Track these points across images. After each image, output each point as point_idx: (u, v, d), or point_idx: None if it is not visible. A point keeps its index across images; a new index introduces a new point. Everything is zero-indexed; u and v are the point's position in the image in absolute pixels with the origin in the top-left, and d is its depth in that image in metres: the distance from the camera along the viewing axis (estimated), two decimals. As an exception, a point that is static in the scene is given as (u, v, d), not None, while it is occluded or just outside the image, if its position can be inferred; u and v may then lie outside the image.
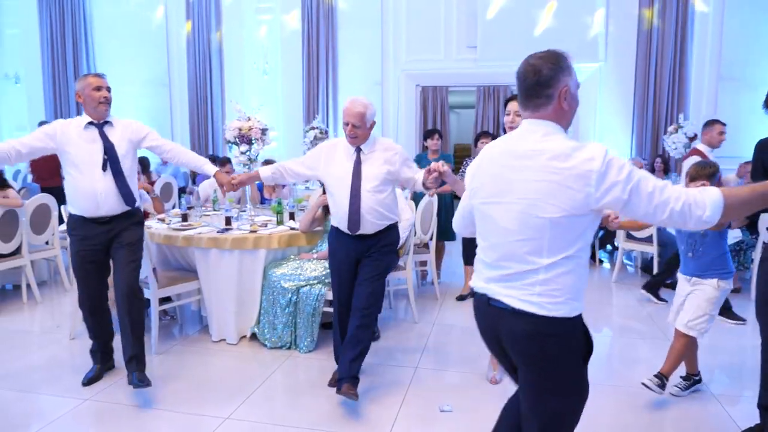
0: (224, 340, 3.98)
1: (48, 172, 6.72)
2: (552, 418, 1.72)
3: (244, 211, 4.73)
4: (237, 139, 4.36)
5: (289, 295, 3.77)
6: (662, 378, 3.04)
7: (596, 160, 1.51)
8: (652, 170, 7.44)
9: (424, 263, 5.28)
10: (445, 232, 5.37)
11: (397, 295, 5.07)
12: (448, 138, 8.84)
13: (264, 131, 4.48)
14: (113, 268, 3.26)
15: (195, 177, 8.61)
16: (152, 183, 6.92)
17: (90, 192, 3.10)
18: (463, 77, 8.60)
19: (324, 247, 3.99)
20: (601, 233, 6.44)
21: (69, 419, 2.94)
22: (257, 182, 5.55)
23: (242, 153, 4.42)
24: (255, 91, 9.33)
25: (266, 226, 4.20)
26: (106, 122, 3.20)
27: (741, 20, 7.65)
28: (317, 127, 8.33)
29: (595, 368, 3.60)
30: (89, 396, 3.17)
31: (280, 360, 3.69)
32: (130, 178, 3.23)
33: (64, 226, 4.16)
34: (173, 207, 6.79)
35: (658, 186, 1.52)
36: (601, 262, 6.62)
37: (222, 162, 5.65)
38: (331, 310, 3.80)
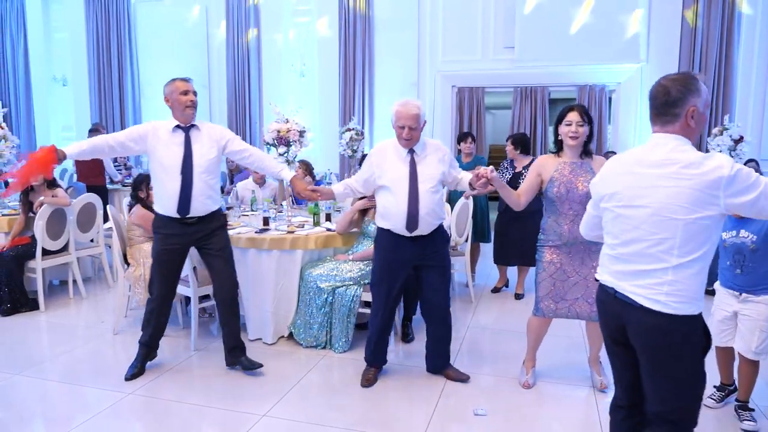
0: (261, 339, 4.04)
1: (92, 171, 6.94)
2: (676, 408, 1.87)
3: (282, 211, 4.80)
4: (275, 141, 4.42)
5: (325, 296, 3.81)
6: (744, 406, 2.96)
7: (725, 168, 1.70)
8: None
9: (454, 265, 5.27)
10: (480, 233, 5.34)
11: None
12: (483, 139, 8.77)
13: (302, 133, 4.54)
14: (212, 276, 3.46)
15: (233, 177, 8.78)
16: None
17: (173, 193, 3.20)
18: (500, 78, 8.52)
19: (360, 249, 4.02)
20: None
21: (112, 412, 3.04)
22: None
23: (280, 155, 4.48)
24: (292, 93, 9.45)
25: (303, 226, 4.25)
26: (193, 126, 3.28)
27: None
28: (353, 129, 8.38)
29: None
30: (131, 390, 3.27)
31: (315, 359, 3.73)
32: (212, 182, 3.30)
33: (109, 224, 4.32)
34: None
35: None
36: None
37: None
38: (366, 311, 3.83)
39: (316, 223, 4.33)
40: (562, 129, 3.01)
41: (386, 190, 3.15)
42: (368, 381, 3.33)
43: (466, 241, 5.01)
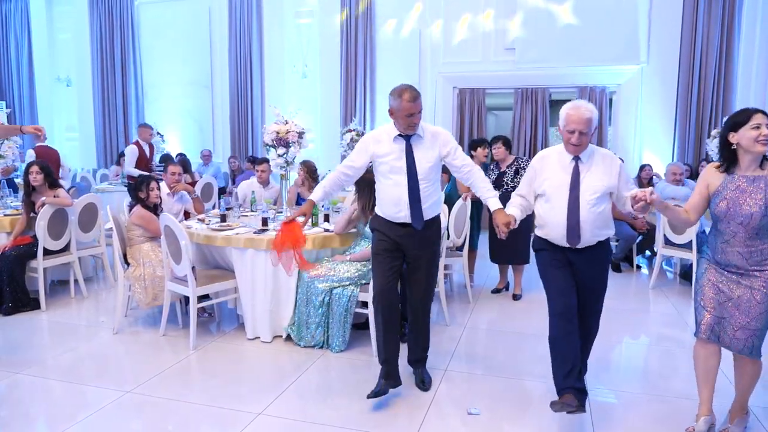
0: (259, 338, 4.09)
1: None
2: None
3: (281, 212, 4.83)
4: (274, 143, 4.46)
5: (323, 296, 3.84)
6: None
7: None
8: (695, 175, 7.24)
9: (451, 266, 5.31)
10: (473, 240, 5.35)
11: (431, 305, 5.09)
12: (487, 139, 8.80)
13: (301, 134, 4.57)
14: (409, 281, 3.34)
15: (234, 178, 8.83)
16: (193, 184, 7.13)
17: (393, 200, 3.15)
18: (501, 79, 8.56)
19: (358, 249, 4.05)
20: (639, 238, 6.32)
21: (112, 410, 3.08)
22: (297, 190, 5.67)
23: (279, 156, 4.52)
24: (294, 94, 9.51)
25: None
26: (414, 134, 3.15)
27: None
28: (354, 129, 8.42)
29: (631, 378, 3.57)
30: (131, 388, 3.31)
31: (312, 359, 3.76)
32: (431, 189, 3.19)
33: (110, 224, 4.36)
34: (213, 207, 6.98)
35: None
36: (639, 267, 6.49)
37: (260, 162, 5.77)
38: (363, 311, 3.87)
39: (315, 224, 4.37)
40: (751, 134, 2.50)
41: (545, 197, 2.95)
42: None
43: (464, 243, 5.03)
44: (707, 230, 2.90)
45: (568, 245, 2.87)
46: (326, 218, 4.50)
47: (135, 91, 10.57)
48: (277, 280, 4.00)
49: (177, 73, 10.30)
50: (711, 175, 2.67)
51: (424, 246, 3.22)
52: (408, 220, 3.15)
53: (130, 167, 7.18)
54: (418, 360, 3.42)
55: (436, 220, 3.30)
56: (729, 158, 2.60)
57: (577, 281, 2.92)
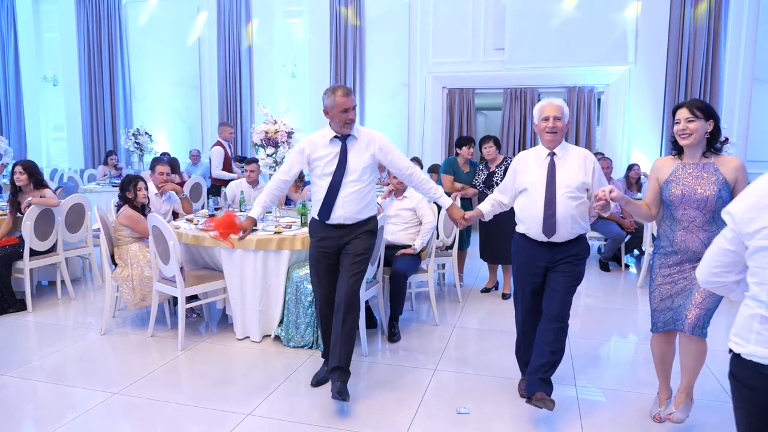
0: (248, 338, 4.07)
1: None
2: None
3: (270, 212, 4.82)
4: (263, 142, 4.45)
5: (312, 297, 3.83)
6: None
7: None
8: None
9: (444, 265, 5.32)
10: (462, 240, 5.37)
11: (419, 297, 5.11)
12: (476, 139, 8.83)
13: (290, 134, 4.56)
14: (339, 275, 3.26)
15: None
16: (182, 184, 7.09)
17: (327, 200, 3.18)
18: (490, 80, 8.58)
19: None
20: (628, 237, 6.37)
21: (99, 411, 3.06)
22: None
23: (268, 156, 4.51)
24: (283, 93, 9.49)
25: (291, 227, 4.28)
26: (350, 135, 3.20)
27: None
28: (343, 129, 8.40)
29: (619, 375, 3.59)
30: (118, 390, 3.29)
31: (302, 359, 3.76)
32: (364, 190, 3.21)
33: (97, 225, 4.33)
34: (202, 207, 6.95)
35: None
36: (627, 266, 6.54)
37: (249, 162, 5.75)
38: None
39: (304, 224, 4.35)
40: (675, 128, 2.74)
41: (522, 194, 3.05)
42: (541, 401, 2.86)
43: (453, 243, 5.05)
44: None
45: (545, 239, 2.95)
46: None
47: (123, 91, 10.50)
48: (267, 280, 3.99)
49: (165, 73, 10.24)
50: (659, 167, 2.84)
51: (358, 244, 3.23)
52: (339, 221, 3.19)
53: (217, 170, 7.08)
54: (334, 369, 3.07)
55: (371, 220, 3.32)
56: (677, 148, 2.78)
57: (551, 277, 3.02)
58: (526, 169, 3.02)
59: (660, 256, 2.83)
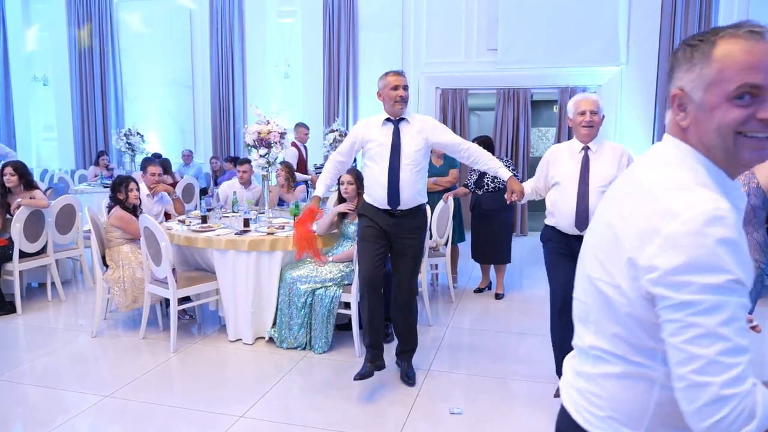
0: (240, 339, 4.05)
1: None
2: None
3: (263, 213, 4.80)
4: (256, 143, 4.43)
5: (305, 297, 3.82)
6: None
7: (676, 220, 0.90)
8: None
9: (437, 266, 5.33)
10: (455, 234, 5.37)
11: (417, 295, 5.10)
12: (468, 140, 8.84)
13: (283, 135, 4.54)
14: (394, 270, 3.37)
15: (216, 179, 8.75)
16: (174, 184, 7.06)
17: (380, 185, 3.22)
18: (483, 80, 8.59)
19: (340, 250, 4.03)
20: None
21: (91, 414, 3.04)
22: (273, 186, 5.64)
23: (261, 156, 4.48)
24: (276, 94, 9.45)
25: (283, 228, 4.27)
26: (402, 119, 3.25)
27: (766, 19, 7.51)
28: (337, 130, 8.39)
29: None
30: (110, 392, 3.26)
31: (295, 360, 3.74)
32: (417, 175, 3.24)
33: (88, 226, 4.30)
34: (194, 208, 6.91)
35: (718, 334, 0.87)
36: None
37: (241, 162, 5.73)
38: (346, 312, 3.86)
39: (297, 225, 4.34)
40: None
41: (556, 187, 3.11)
42: None
43: (446, 243, 5.05)
44: None
45: (577, 233, 2.97)
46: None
47: (114, 91, 10.43)
48: (259, 282, 3.98)
49: (157, 73, 10.18)
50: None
51: (409, 234, 3.29)
52: (395, 207, 3.22)
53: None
54: (405, 351, 3.44)
55: (422, 208, 3.36)
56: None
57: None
58: (559, 163, 3.06)
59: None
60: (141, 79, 10.36)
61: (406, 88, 3.19)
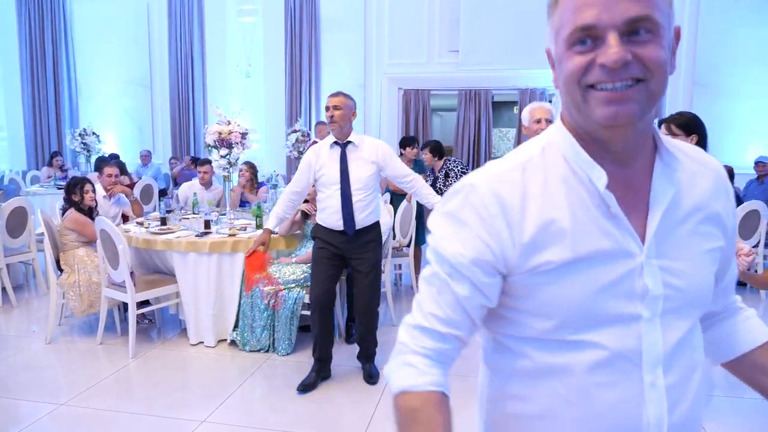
0: (202, 342, 3.99)
1: None
2: None
3: (224, 214, 4.74)
4: (217, 143, 4.36)
5: (268, 299, 3.79)
6: None
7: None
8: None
9: (401, 266, 5.36)
10: (418, 236, 5.42)
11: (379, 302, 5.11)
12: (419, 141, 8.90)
13: (244, 135, 4.49)
14: (356, 284, 3.44)
15: (176, 179, 8.59)
16: (132, 185, 6.89)
17: (332, 209, 3.26)
18: (445, 81, 8.67)
19: (303, 251, 4.01)
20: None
21: (46, 423, 2.94)
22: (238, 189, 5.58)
23: (222, 157, 4.42)
24: (237, 93, 9.33)
25: (245, 229, 4.22)
26: (349, 142, 3.27)
27: (714, 27, 7.82)
28: (300, 130, 8.33)
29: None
30: (66, 401, 3.17)
31: (258, 362, 3.70)
32: (368, 198, 3.30)
33: (41, 229, 4.16)
34: (153, 210, 6.77)
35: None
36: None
37: (202, 163, 5.63)
38: (309, 313, 3.84)
39: (259, 226, 4.30)
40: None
41: None
42: None
43: (410, 243, 5.08)
44: None
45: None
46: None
47: (68, 89, 10.11)
48: (221, 284, 3.92)
49: (114, 71, 9.91)
50: None
51: (364, 251, 3.35)
52: (351, 231, 3.29)
53: None
54: (368, 357, 3.52)
55: (375, 226, 3.42)
56: None
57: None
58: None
59: None
60: (97, 78, 10.06)
61: (337, 107, 3.23)
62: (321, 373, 3.39)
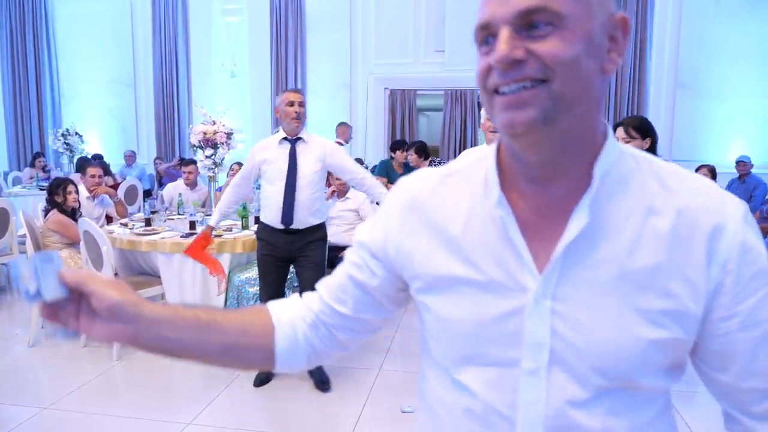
0: (188, 345, 3.96)
1: None
2: None
3: (209, 215, 4.71)
4: (201, 143, 4.34)
5: (254, 300, 3.78)
6: None
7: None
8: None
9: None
10: None
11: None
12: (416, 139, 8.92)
13: (229, 135, 4.47)
14: (300, 281, 3.39)
15: (161, 180, 8.52)
16: (116, 186, 6.83)
17: (275, 204, 3.19)
18: (431, 81, 8.69)
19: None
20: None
21: (28, 428, 2.90)
22: (219, 186, 5.56)
23: (207, 157, 4.40)
24: (222, 93, 9.27)
25: (231, 230, 4.20)
26: (299, 138, 3.23)
27: (696, 28, 7.93)
28: (285, 130, 8.31)
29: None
30: (49, 404, 3.13)
31: (244, 364, 3.69)
32: (314, 196, 3.25)
33: (23, 230, 4.11)
34: (138, 211, 6.71)
35: None
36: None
37: (186, 163, 5.60)
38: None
39: (245, 227, 4.28)
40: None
41: None
42: None
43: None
44: None
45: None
46: (256, 220, 4.42)
47: (50, 88, 9.98)
48: (206, 285, 3.90)
49: (97, 70, 9.80)
50: None
51: (307, 248, 3.29)
52: (288, 225, 3.23)
53: None
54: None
55: (321, 227, 3.37)
56: None
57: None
58: None
59: None
60: (80, 77, 9.95)
61: (302, 104, 3.21)
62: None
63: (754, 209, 6.19)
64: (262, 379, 3.34)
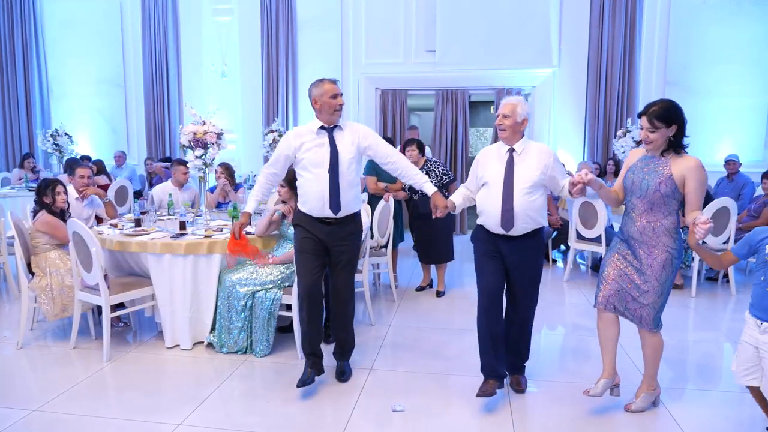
0: (178, 345, 3.95)
1: None
2: None
3: (200, 215, 4.70)
4: (192, 144, 4.32)
5: (245, 300, 3.77)
6: None
7: None
8: (604, 173, 7.69)
9: (379, 265, 5.37)
10: (395, 238, 5.44)
11: (355, 297, 5.11)
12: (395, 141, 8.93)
13: (219, 135, 4.46)
14: (332, 276, 3.39)
15: (151, 180, 8.48)
16: (105, 187, 6.79)
17: (316, 193, 3.18)
18: (422, 81, 8.71)
19: (280, 252, 4.00)
20: (554, 233, 6.62)
21: (18, 430, 2.88)
22: (210, 187, 5.54)
23: (197, 157, 4.39)
24: (213, 93, 9.24)
25: (221, 230, 4.19)
26: (336, 126, 3.23)
27: (685, 27, 7.99)
28: (276, 130, 8.30)
29: (549, 366, 3.73)
30: (38, 406, 3.11)
31: (236, 364, 3.68)
32: (354, 181, 3.27)
33: (11, 232, 4.07)
34: (128, 211, 6.67)
35: None
36: (554, 261, 6.81)
37: (178, 163, 5.57)
38: (287, 314, 3.83)
39: (236, 227, 4.26)
40: (640, 132, 2.90)
41: (483, 187, 3.15)
42: (485, 393, 3.06)
43: (388, 242, 5.09)
44: (615, 225, 3.13)
45: (502, 232, 3.04)
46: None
47: (39, 89, 9.90)
48: (197, 286, 3.89)
49: (86, 71, 9.74)
50: (630, 157, 3.01)
51: (344, 241, 3.31)
52: (330, 213, 3.23)
53: None
54: (342, 353, 3.52)
55: (357, 216, 3.39)
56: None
57: (511, 270, 3.13)
58: (487, 164, 3.13)
59: (616, 237, 3.04)
60: (69, 77, 9.88)
61: (342, 95, 3.24)
62: (315, 367, 3.32)
63: (742, 207, 6.24)
64: (304, 381, 3.24)
